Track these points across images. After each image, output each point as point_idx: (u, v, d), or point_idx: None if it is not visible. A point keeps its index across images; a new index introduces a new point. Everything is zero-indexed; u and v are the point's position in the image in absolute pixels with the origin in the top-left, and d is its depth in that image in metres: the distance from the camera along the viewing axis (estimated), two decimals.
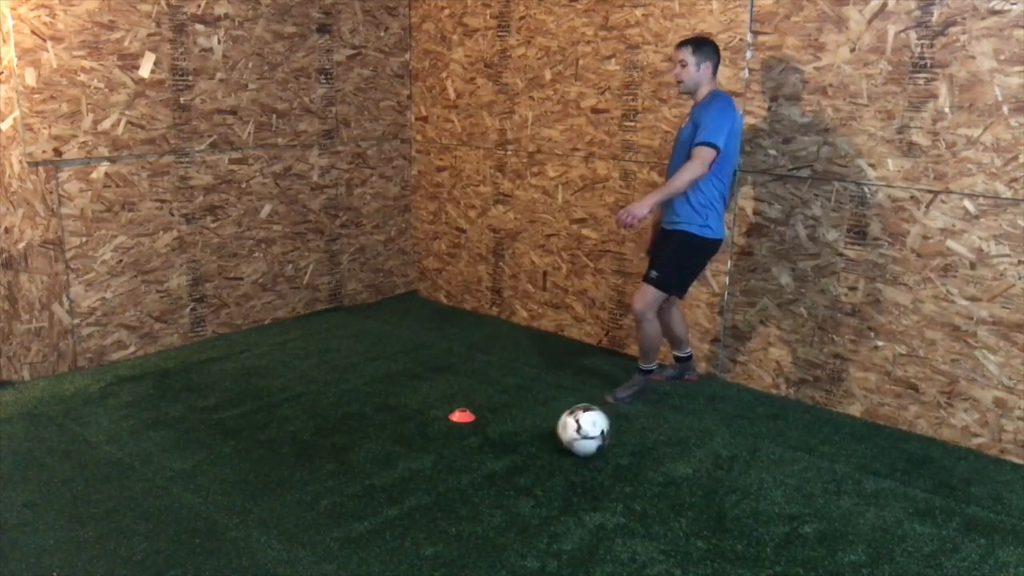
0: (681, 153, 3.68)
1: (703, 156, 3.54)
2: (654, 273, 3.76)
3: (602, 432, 3.42)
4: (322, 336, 4.97)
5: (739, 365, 4.29)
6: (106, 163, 4.30)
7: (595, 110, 4.62)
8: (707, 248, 3.79)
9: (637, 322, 3.85)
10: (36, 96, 4.00)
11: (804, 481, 3.30)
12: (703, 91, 3.68)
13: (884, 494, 3.21)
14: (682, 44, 3.68)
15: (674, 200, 3.71)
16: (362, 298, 5.66)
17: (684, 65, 3.64)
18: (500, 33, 5.00)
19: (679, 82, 3.69)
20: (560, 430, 3.47)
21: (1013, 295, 3.40)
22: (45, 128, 4.05)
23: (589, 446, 3.41)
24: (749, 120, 4.03)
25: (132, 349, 4.56)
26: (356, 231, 5.51)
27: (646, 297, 3.78)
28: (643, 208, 3.58)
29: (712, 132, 3.54)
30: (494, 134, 5.16)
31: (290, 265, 5.20)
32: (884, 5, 3.55)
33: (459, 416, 3.83)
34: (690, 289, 4.38)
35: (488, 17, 5.05)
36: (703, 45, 3.66)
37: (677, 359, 4.25)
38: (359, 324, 5.22)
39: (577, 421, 3.41)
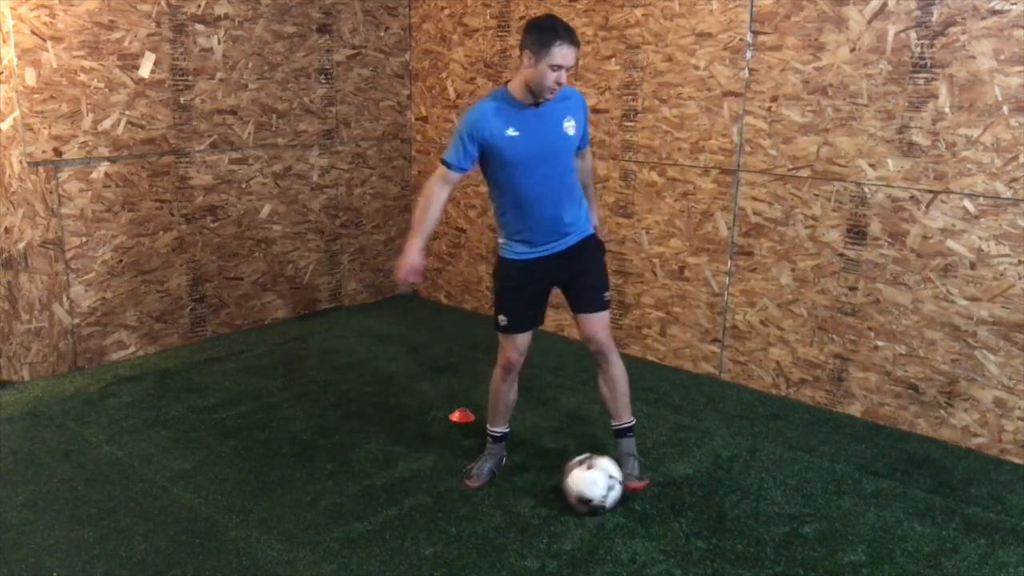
0: (563, 162, 3.01)
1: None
2: (607, 294, 3.12)
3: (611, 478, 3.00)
4: (322, 336, 4.97)
5: (739, 365, 4.29)
6: (106, 163, 4.30)
7: (595, 110, 4.61)
8: None
9: (611, 360, 3.15)
10: (36, 96, 4.00)
11: (804, 481, 3.30)
12: None
13: (884, 494, 3.21)
14: (574, 44, 2.80)
15: (574, 203, 3.08)
16: (362, 298, 5.66)
17: (569, 71, 2.85)
18: (500, 33, 5.00)
19: (560, 89, 2.86)
20: (592, 487, 3.00)
21: (1013, 295, 3.40)
22: (45, 128, 4.05)
23: (618, 495, 3.02)
24: (749, 120, 4.03)
25: (132, 349, 4.56)
26: (356, 231, 5.51)
27: (608, 322, 3.16)
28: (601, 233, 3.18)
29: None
30: None
31: (290, 265, 5.20)
32: (884, 5, 3.55)
33: (459, 416, 3.83)
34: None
35: (488, 17, 5.05)
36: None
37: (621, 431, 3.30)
38: (359, 324, 5.22)
39: (594, 468, 3.01)
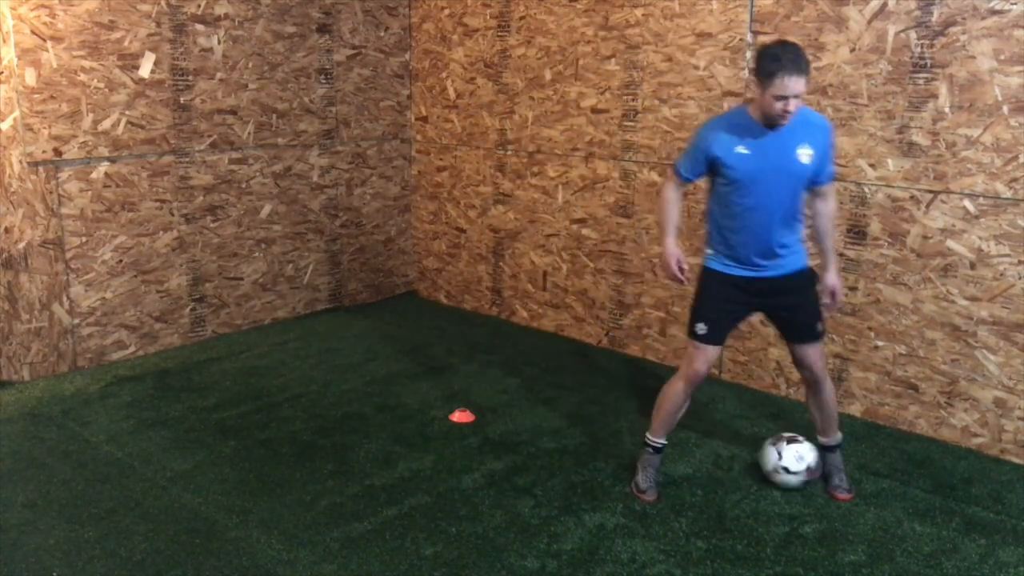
0: (790, 188, 2.93)
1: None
2: (820, 326, 3.09)
3: (808, 467, 3.17)
4: (322, 336, 4.97)
5: (739, 365, 4.29)
6: (106, 163, 4.30)
7: (595, 110, 4.62)
8: None
9: (824, 386, 3.14)
10: (36, 96, 4.00)
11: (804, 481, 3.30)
12: None
13: (884, 494, 3.21)
14: (802, 73, 2.72)
15: (791, 232, 3.02)
16: (362, 298, 5.66)
17: (798, 98, 2.76)
18: (500, 33, 5.00)
19: (790, 117, 2.80)
20: (762, 459, 3.26)
21: (1013, 295, 3.40)
22: (45, 128, 4.05)
23: (791, 481, 3.18)
24: None
25: (132, 349, 4.56)
26: (356, 231, 5.51)
27: (823, 352, 3.16)
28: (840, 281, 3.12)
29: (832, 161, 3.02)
30: (494, 134, 5.16)
31: (290, 265, 5.20)
32: (884, 5, 3.55)
33: (459, 416, 3.83)
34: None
35: (488, 17, 5.05)
36: (808, 63, 2.79)
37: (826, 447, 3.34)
38: (359, 324, 5.22)
39: (779, 452, 3.20)
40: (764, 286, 3.04)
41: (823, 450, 3.27)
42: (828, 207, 3.05)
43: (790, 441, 3.21)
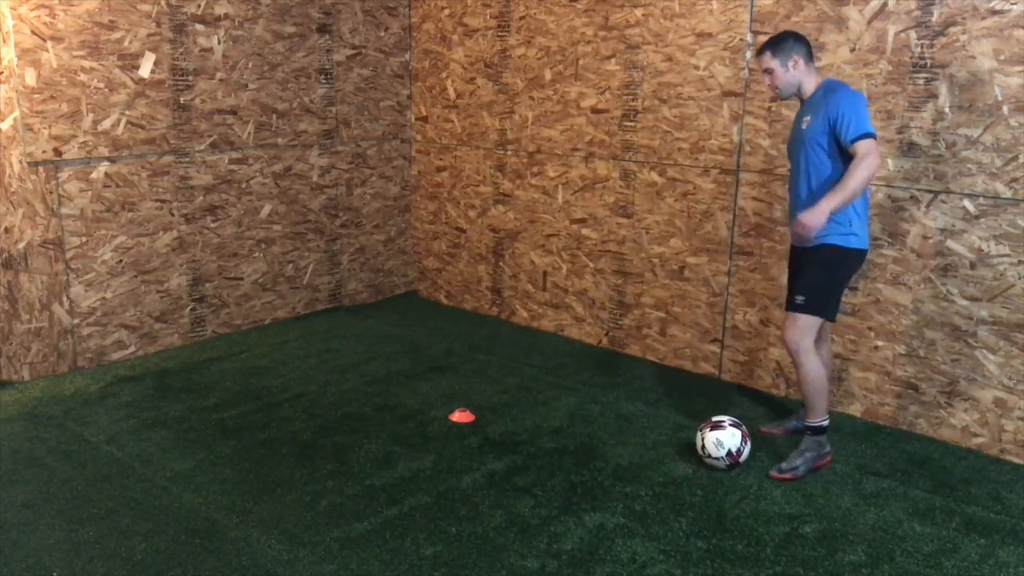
0: (802, 153, 3.26)
1: (871, 149, 3.03)
2: (799, 298, 3.23)
3: (729, 452, 3.30)
4: (322, 336, 4.97)
5: (739, 365, 4.29)
6: (106, 163, 4.30)
7: (595, 110, 4.62)
8: (851, 259, 3.26)
9: (795, 361, 3.30)
10: (36, 96, 4.00)
11: (804, 481, 3.30)
12: (808, 85, 3.28)
13: (884, 494, 3.21)
14: (759, 53, 3.30)
15: (809, 201, 3.22)
16: (362, 298, 5.66)
17: (770, 72, 3.27)
18: (500, 33, 5.00)
19: (775, 89, 3.31)
20: (695, 445, 3.43)
21: (1013, 295, 3.40)
22: (45, 128, 4.05)
23: (716, 465, 3.34)
24: (749, 120, 4.03)
25: (132, 349, 4.56)
26: (356, 231, 5.51)
27: (797, 325, 3.24)
28: (819, 218, 3.06)
29: (863, 121, 3.08)
30: (494, 134, 5.16)
31: (290, 265, 5.20)
32: (884, 5, 3.55)
33: (459, 416, 3.83)
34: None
35: (488, 17, 5.05)
36: (779, 43, 3.24)
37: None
38: (359, 324, 5.22)
39: (702, 438, 3.35)
40: (794, 248, 3.42)
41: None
42: (852, 165, 3.06)
43: (713, 427, 3.35)
